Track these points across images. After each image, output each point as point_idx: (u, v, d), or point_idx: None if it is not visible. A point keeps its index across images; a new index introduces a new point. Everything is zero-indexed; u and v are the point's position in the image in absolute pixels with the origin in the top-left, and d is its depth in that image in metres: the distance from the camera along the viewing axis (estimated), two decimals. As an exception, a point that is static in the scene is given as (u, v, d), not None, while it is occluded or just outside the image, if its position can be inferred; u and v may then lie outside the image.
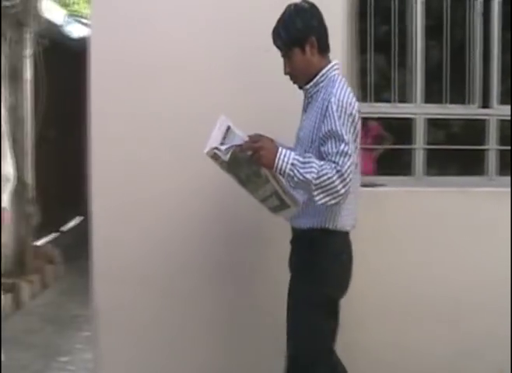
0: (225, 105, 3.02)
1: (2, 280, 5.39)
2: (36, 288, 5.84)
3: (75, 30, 6.99)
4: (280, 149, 2.37)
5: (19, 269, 5.93)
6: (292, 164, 2.34)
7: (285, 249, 2.66)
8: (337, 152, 2.34)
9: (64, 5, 6.96)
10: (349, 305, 2.68)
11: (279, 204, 2.59)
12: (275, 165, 2.36)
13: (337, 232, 2.55)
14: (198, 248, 3.13)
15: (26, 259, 6.06)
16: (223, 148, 2.35)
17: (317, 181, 2.31)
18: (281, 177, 2.44)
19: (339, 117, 2.38)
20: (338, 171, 2.31)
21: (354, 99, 2.46)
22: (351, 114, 2.40)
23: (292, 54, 2.54)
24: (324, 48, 2.56)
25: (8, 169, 3.37)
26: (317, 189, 2.32)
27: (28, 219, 6.14)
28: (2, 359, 3.47)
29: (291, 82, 2.60)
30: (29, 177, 6.24)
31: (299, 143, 2.60)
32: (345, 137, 2.36)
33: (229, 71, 3.08)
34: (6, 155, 3.39)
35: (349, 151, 2.35)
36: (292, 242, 2.68)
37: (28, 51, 6.10)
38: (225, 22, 3.09)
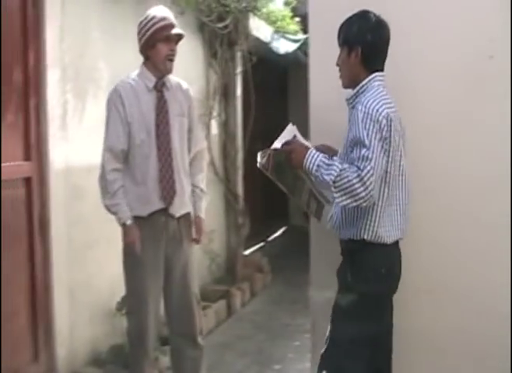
0: (448, 112, 2.93)
1: (216, 287, 5.69)
2: (246, 296, 6.04)
3: (282, 46, 7.18)
4: (309, 151, 2.55)
5: (230, 277, 6.20)
6: (318, 165, 2.50)
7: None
8: (358, 157, 2.43)
9: (271, 23, 7.18)
10: None
11: (317, 206, 2.83)
12: (304, 165, 2.54)
13: (375, 245, 2.59)
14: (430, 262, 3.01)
15: (237, 268, 6.31)
16: (260, 153, 2.60)
17: (337, 184, 2.43)
18: (312, 177, 2.62)
19: (364, 124, 2.45)
20: (358, 175, 2.40)
21: (384, 107, 2.50)
22: (377, 120, 2.45)
23: (342, 51, 2.67)
24: (368, 63, 2.61)
25: (203, 183, 3.48)
26: (338, 191, 2.44)
27: (239, 229, 6.41)
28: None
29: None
30: (240, 189, 6.52)
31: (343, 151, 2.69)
32: (367, 143, 2.43)
33: (454, 78, 2.95)
34: (204, 170, 3.51)
35: (370, 156, 2.41)
36: (342, 253, 2.75)
37: (238, 69, 6.40)
38: (448, 28, 2.98)
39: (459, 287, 2.99)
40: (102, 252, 4.13)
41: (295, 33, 7.74)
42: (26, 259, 3.57)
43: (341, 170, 2.43)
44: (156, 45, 3.20)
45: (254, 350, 4.74)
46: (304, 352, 4.53)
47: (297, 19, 7.83)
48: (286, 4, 7.83)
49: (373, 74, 2.61)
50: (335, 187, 2.44)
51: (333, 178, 2.43)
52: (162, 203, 3.21)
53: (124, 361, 3.99)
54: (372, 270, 2.61)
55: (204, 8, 5.56)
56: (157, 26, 3.18)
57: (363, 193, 2.40)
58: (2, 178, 3.36)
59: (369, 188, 2.40)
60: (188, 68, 5.13)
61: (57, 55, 3.71)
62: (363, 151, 2.42)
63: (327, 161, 2.50)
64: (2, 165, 3.36)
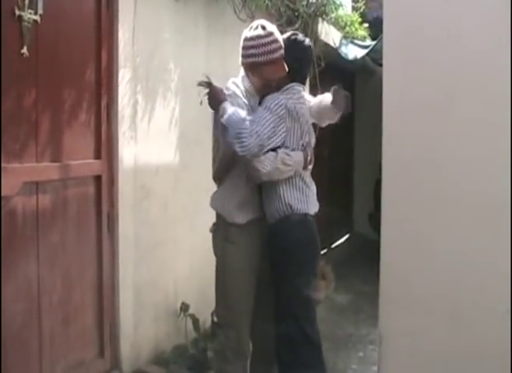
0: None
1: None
2: (309, 303, 5.94)
3: (350, 52, 7.09)
4: None
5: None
6: None
7: None
8: None
9: (340, 28, 7.10)
10: None
11: None
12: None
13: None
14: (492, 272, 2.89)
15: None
16: None
17: None
18: None
19: None
20: None
21: None
22: None
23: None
24: None
25: None
26: None
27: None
28: None
29: None
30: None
31: None
32: None
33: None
34: None
35: None
36: None
37: (306, 73, 6.34)
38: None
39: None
40: (168, 252, 4.15)
41: (363, 38, 7.65)
42: (95, 257, 3.61)
43: None
44: (254, 74, 3.16)
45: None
46: (368, 364, 4.44)
47: (366, 24, 7.74)
48: (355, 9, 7.75)
49: None
50: None
51: None
52: (261, 213, 3.26)
53: (186, 362, 4.00)
54: None
55: (273, 13, 5.55)
56: (270, 58, 3.08)
57: None
58: (74, 175, 3.44)
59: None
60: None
61: (128, 56, 3.75)
62: None
63: None
64: (74, 162, 3.42)
